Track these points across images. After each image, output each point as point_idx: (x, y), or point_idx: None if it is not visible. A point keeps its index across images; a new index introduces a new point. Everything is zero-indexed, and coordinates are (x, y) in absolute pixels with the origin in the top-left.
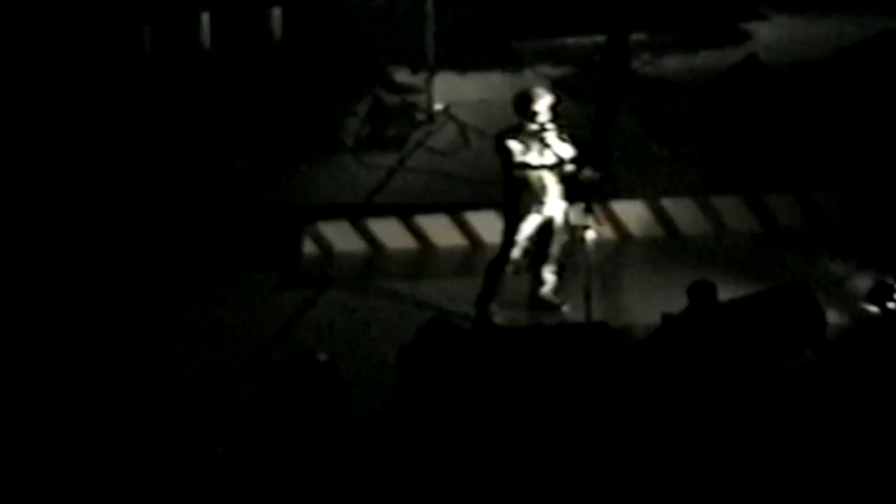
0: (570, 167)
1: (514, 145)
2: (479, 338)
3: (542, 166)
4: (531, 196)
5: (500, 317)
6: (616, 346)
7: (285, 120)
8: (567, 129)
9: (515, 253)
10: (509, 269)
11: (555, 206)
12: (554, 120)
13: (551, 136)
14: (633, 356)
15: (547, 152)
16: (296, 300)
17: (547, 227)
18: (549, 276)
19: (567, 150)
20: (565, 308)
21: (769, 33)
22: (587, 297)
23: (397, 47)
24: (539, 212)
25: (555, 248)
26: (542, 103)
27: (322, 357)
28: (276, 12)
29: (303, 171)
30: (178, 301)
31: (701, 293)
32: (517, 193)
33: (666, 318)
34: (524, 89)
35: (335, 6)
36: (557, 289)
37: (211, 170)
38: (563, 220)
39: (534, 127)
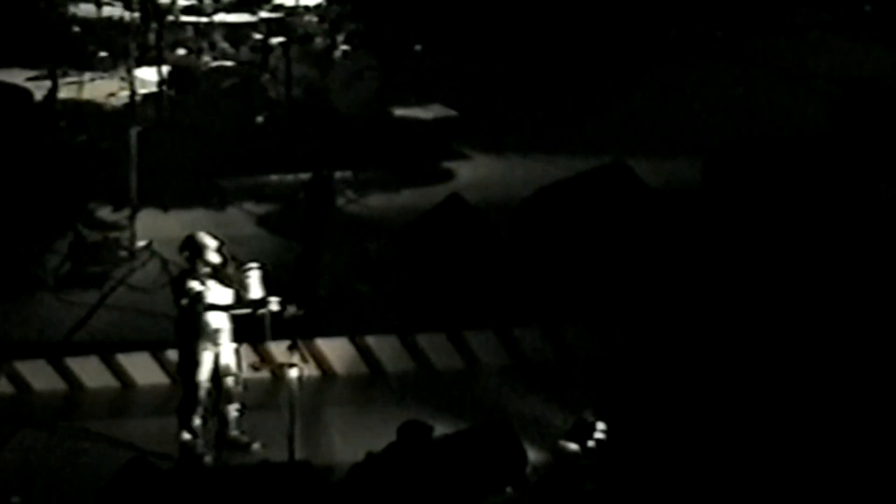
0: (274, 305)
1: (194, 285)
2: (180, 479)
3: (219, 306)
4: (206, 336)
5: (208, 458)
6: (318, 485)
7: None
8: (264, 267)
9: (202, 393)
10: (200, 410)
11: (228, 346)
12: (224, 261)
13: (233, 277)
14: (336, 495)
15: (224, 292)
16: None
17: (223, 368)
18: (233, 414)
19: (257, 291)
20: (256, 446)
21: (471, 172)
22: (290, 435)
23: (100, 183)
24: (214, 352)
25: (237, 388)
26: (209, 247)
27: (15, 500)
28: None
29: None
30: None
31: (413, 433)
32: (194, 334)
33: (370, 456)
34: (188, 236)
35: (37, 142)
36: (242, 427)
37: None
38: (237, 360)
39: (209, 268)
